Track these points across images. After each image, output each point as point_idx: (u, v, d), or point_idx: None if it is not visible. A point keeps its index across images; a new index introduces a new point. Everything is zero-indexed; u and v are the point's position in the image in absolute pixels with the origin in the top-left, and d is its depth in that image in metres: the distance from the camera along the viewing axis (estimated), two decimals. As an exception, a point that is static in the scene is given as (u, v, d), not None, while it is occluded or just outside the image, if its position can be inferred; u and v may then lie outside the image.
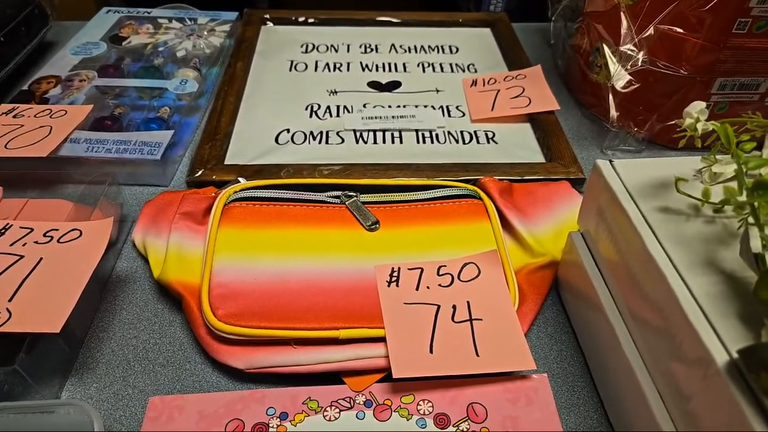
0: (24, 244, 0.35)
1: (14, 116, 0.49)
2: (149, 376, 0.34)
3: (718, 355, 0.23)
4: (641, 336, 0.29)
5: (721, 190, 0.28)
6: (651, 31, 0.47)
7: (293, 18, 0.70)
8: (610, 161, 0.33)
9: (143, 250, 0.40)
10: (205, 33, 0.65)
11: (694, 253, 0.27)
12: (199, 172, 0.46)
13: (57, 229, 0.36)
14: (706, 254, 0.27)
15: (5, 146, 0.45)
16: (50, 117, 0.49)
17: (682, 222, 0.29)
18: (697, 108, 0.29)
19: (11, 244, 0.35)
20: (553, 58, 0.66)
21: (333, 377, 0.33)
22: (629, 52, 0.48)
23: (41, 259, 0.34)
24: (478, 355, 0.32)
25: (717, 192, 0.29)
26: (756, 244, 0.24)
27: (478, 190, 0.42)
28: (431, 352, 0.32)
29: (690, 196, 0.29)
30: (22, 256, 0.34)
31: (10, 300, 0.31)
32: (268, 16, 0.70)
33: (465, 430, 0.30)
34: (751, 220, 0.25)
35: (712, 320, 0.24)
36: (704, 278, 0.26)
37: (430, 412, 0.31)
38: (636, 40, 0.48)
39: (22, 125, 0.48)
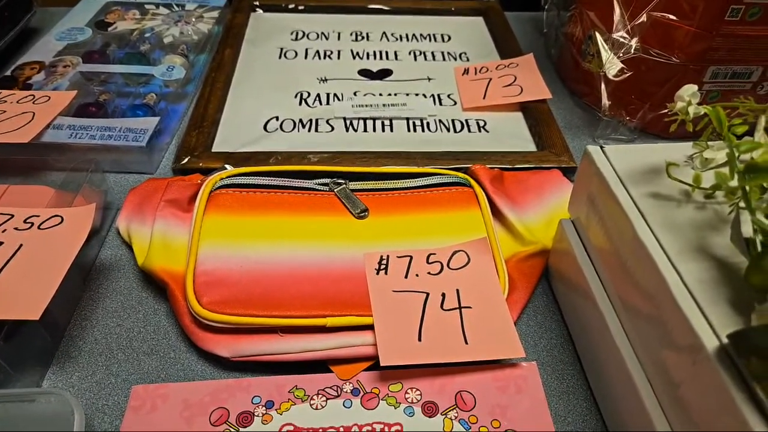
0: (4, 231, 0.34)
1: (-4, 102, 0.48)
2: (133, 365, 0.33)
3: (708, 341, 0.22)
4: (631, 323, 0.29)
5: (713, 176, 0.28)
6: (644, 18, 0.46)
7: (283, 5, 0.69)
8: (601, 147, 0.32)
9: (128, 238, 0.39)
10: (193, 19, 0.64)
11: (685, 239, 0.27)
12: (186, 160, 0.45)
13: (38, 216, 0.35)
14: (697, 240, 0.27)
15: (-14, 132, 0.44)
16: (33, 103, 0.48)
17: (674, 208, 0.29)
18: (689, 91, 0.28)
19: (-10, 231, 0.34)
20: (546, 46, 0.65)
21: (320, 366, 0.32)
22: (621, 39, 0.48)
23: (21, 245, 0.33)
24: (467, 343, 0.32)
25: (708, 178, 0.28)
26: (747, 229, 0.24)
27: (469, 178, 0.42)
28: (419, 340, 0.32)
29: (681, 181, 0.29)
30: (1, 243, 0.33)
31: (-12, 287, 0.30)
32: (257, 2, 0.69)
33: (453, 418, 0.30)
34: (742, 204, 0.25)
35: (703, 306, 0.24)
36: (695, 264, 0.26)
37: (419, 401, 0.31)
38: (628, 27, 0.47)
39: (4, 111, 0.47)
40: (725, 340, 0.22)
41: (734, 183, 0.25)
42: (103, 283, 0.38)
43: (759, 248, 0.23)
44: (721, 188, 0.28)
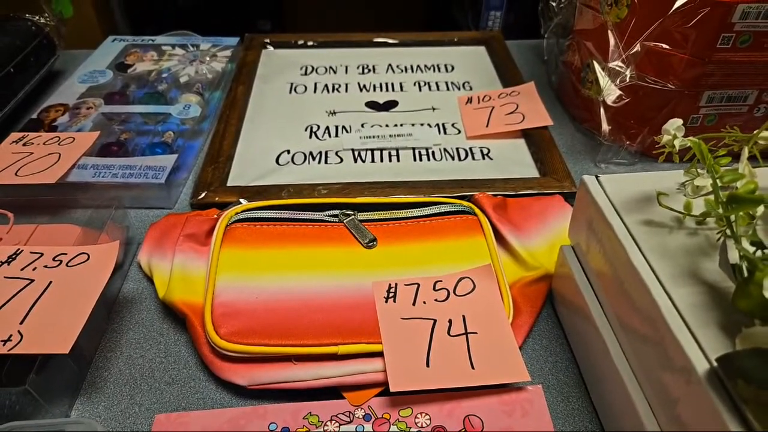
0: (34, 269, 0.36)
1: (24, 144, 0.50)
2: (155, 394, 0.35)
3: (699, 364, 0.23)
4: (630, 345, 0.30)
5: (704, 203, 0.29)
6: (638, 47, 0.48)
7: (293, 41, 0.72)
8: (596, 176, 0.34)
9: (149, 272, 0.41)
10: (207, 58, 0.67)
11: (676, 264, 0.28)
12: (203, 195, 0.48)
13: (66, 254, 0.37)
14: (688, 266, 0.28)
15: (16, 173, 0.47)
16: (59, 144, 0.51)
17: (666, 234, 0.30)
18: (674, 125, 0.30)
19: (22, 269, 0.36)
20: (547, 74, 0.67)
21: (333, 392, 0.34)
22: (618, 68, 0.50)
23: (51, 282, 0.35)
24: (473, 368, 0.33)
25: (700, 204, 0.30)
26: (733, 256, 0.25)
27: (473, 206, 0.43)
28: (428, 365, 0.33)
29: (672, 209, 0.30)
30: (32, 280, 0.35)
31: (21, 323, 0.33)
32: (268, 40, 0.72)
33: (461, 441, 0.31)
34: (728, 232, 0.26)
35: (694, 330, 0.25)
36: (686, 289, 0.27)
37: (428, 425, 0.32)
38: (624, 56, 0.49)
39: (32, 153, 0.50)
40: (715, 363, 0.23)
41: (722, 211, 0.27)
42: (126, 316, 0.40)
43: (745, 274, 0.24)
44: (711, 215, 0.29)
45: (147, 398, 0.34)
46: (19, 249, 0.38)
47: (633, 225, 0.31)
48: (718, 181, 0.26)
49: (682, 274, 0.28)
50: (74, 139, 0.51)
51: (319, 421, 0.32)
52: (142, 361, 0.37)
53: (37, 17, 0.66)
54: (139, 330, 0.38)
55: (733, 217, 0.26)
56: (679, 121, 0.30)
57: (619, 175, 0.34)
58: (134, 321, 0.39)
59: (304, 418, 0.32)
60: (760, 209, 0.26)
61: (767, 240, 0.25)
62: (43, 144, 0.51)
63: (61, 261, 0.37)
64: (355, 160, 0.53)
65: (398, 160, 0.53)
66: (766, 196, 0.25)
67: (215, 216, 0.43)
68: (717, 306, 0.26)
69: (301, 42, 0.72)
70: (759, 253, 0.25)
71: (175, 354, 0.37)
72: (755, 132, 0.29)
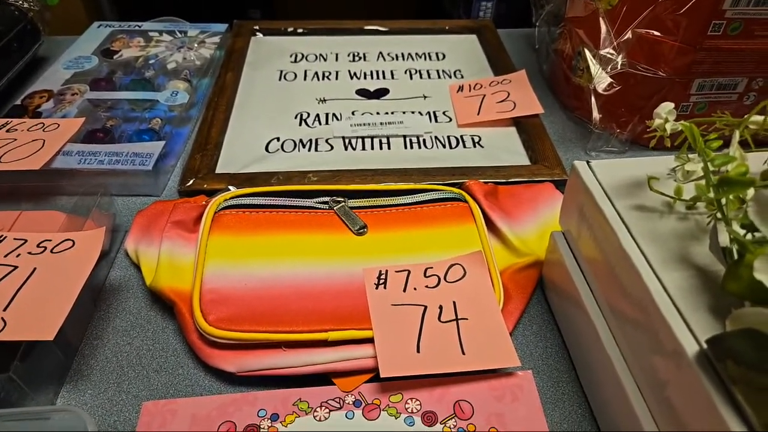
0: (18, 255, 0.36)
1: (7, 130, 0.49)
2: (143, 382, 0.34)
3: (689, 346, 0.24)
4: (620, 330, 0.30)
5: (694, 187, 0.29)
6: (629, 34, 0.48)
7: (282, 28, 0.71)
8: (588, 162, 0.34)
9: (136, 259, 0.41)
10: (196, 45, 0.66)
11: (667, 249, 0.28)
12: (191, 182, 0.47)
13: (50, 240, 0.36)
14: (678, 250, 0.28)
15: (-1, 160, 0.46)
16: (43, 131, 0.50)
17: (657, 219, 0.30)
18: (665, 109, 0.30)
19: (5, 255, 0.36)
20: (538, 62, 0.67)
21: (323, 378, 0.33)
22: (609, 55, 0.49)
23: (35, 269, 0.35)
24: (464, 354, 0.33)
25: (690, 189, 0.30)
26: (724, 239, 0.25)
27: (464, 194, 0.43)
28: (418, 351, 0.33)
29: (663, 194, 0.30)
30: (16, 267, 0.35)
31: (4, 309, 0.32)
32: (257, 27, 0.71)
33: (452, 427, 0.31)
34: (719, 215, 0.26)
35: (684, 313, 0.25)
36: (677, 273, 0.27)
37: (418, 410, 0.32)
38: (615, 43, 0.49)
39: (15, 139, 0.49)
40: (705, 345, 0.23)
41: (712, 194, 0.27)
42: (113, 303, 0.39)
43: (735, 257, 0.24)
44: (701, 199, 0.29)
45: (134, 386, 0.34)
46: (2, 235, 0.37)
47: (624, 210, 0.31)
48: (709, 164, 0.26)
49: (673, 258, 0.28)
50: (59, 125, 0.50)
51: (308, 407, 0.32)
52: (130, 348, 0.36)
53: (21, 2, 0.64)
54: (126, 317, 0.38)
55: (723, 200, 0.26)
56: (670, 105, 0.30)
57: (610, 161, 0.34)
58: (121, 308, 0.39)
59: (293, 405, 0.32)
60: (751, 192, 0.26)
61: (758, 223, 0.25)
62: (27, 130, 0.50)
63: (45, 248, 0.36)
64: (346, 148, 0.52)
65: (389, 148, 0.52)
66: (757, 179, 0.25)
67: (203, 203, 0.43)
68: (707, 289, 0.26)
69: (290, 29, 0.71)
70: (749, 236, 0.25)
71: (163, 341, 0.37)
72: (746, 116, 0.29)
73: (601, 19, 0.50)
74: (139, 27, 0.69)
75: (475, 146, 0.53)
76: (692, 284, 0.26)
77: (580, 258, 0.35)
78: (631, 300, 0.28)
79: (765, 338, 0.19)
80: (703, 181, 0.29)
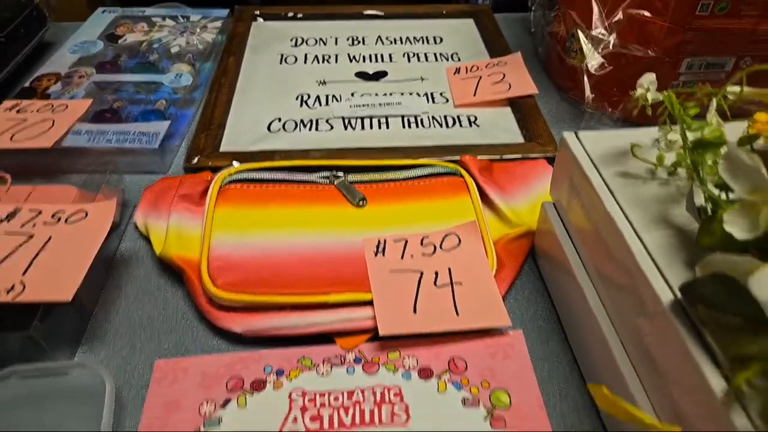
0: (34, 225, 0.37)
1: (17, 111, 0.51)
2: (154, 343, 0.36)
3: (665, 296, 0.25)
4: (606, 292, 0.32)
5: (675, 156, 0.31)
6: (620, 15, 0.50)
7: (283, 14, 0.73)
8: (575, 133, 0.35)
9: (145, 231, 0.43)
10: (198, 30, 0.67)
11: (648, 212, 0.30)
12: (196, 159, 0.49)
13: (64, 211, 0.38)
14: (659, 213, 0.30)
15: (11, 139, 0.47)
16: (52, 111, 0.51)
17: (640, 185, 0.32)
18: (648, 79, 0.31)
19: (22, 226, 0.37)
20: (534, 45, 0.69)
21: (325, 339, 0.35)
22: (600, 36, 0.51)
23: (50, 237, 0.36)
24: (458, 315, 0.35)
25: (672, 158, 0.32)
26: (699, 199, 0.27)
27: (459, 168, 0.45)
28: (415, 312, 0.35)
29: (645, 160, 0.32)
30: (32, 236, 0.37)
31: (23, 274, 0.34)
32: (258, 12, 0.72)
33: (447, 380, 0.33)
34: (695, 176, 0.28)
35: (662, 267, 0.27)
36: (657, 233, 0.29)
37: (415, 366, 0.34)
38: (606, 24, 0.50)
39: (26, 119, 0.50)
40: (679, 294, 0.25)
41: (689, 156, 0.28)
42: (124, 273, 0.41)
43: (709, 214, 0.26)
44: (681, 165, 0.31)
45: (147, 346, 0.36)
46: (18, 207, 0.39)
47: (609, 177, 0.32)
48: (686, 129, 0.28)
49: (654, 220, 0.29)
50: (67, 106, 0.52)
51: (312, 363, 0.34)
52: (141, 313, 0.38)
53: (27, -12, 0.65)
54: (137, 285, 0.40)
55: (699, 162, 0.27)
56: (652, 76, 0.32)
57: (598, 132, 0.36)
58: (132, 277, 0.40)
59: (298, 362, 0.34)
60: (724, 149, 0.27)
61: (728, 178, 0.27)
62: (37, 111, 0.52)
63: (59, 218, 0.38)
64: (346, 128, 0.54)
65: (387, 128, 0.54)
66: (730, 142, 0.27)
67: (208, 178, 0.44)
68: (684, 247, 0.28)
69: (290, 14, 0.73)
70: (723, 195, 0.27)
71: (173, 307, 0.38)
72: (723, 86, 0.31)
73: (593, 0, 0.51)
74: (143, 12, 0.71)
75: (471, 125, 0.54)
76: (670, 242, 0.28)
77: (569, 226, 0.37)
78: (615, 262, 0.30)
79: (732, 281, 0.21)
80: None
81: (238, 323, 0.35)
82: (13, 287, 0.33)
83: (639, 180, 0.32)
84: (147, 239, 0.42)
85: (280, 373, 0.33)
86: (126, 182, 0.48)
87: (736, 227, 0.23)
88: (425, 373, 0.33)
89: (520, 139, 0.52)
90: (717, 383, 0.22)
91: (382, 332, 0.34)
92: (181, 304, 0.38)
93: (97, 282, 0.40)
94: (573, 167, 0.35)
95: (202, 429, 0.31)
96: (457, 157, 0.48)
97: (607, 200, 0.31)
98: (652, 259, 0.27)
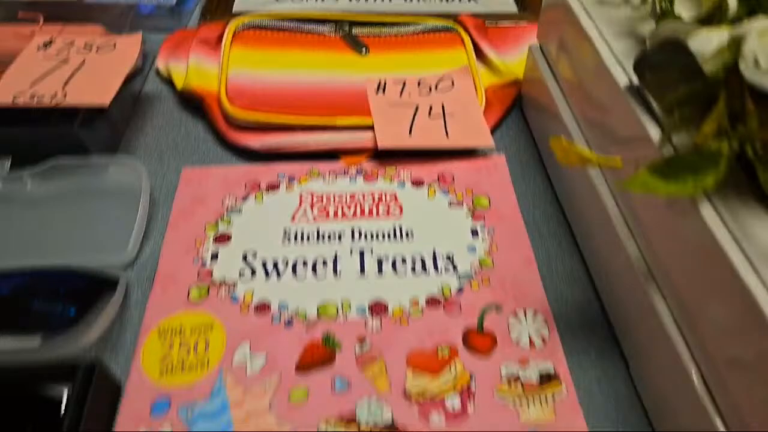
0: (68, 52, 0.41)
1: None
2: (181, 159, 0.41)
3: (622, 80, 0.30)
4: (586, 123, 0.36)
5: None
6: None
7: None
8: (562, -30, 0.39)
9: (166, 72, 0.46)
10: None
11: (618, 26, 0.34)
12: (209, 17, 0.52)
13: (94, 41, 0.42)
14: (628, 28, 0.34)
15: (36, -8, 0.50)
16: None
17: (615, 10, 0.35)
18: None
19: (57, 53, 0.41)
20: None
21: (331, 157, 0.40)
22: None
23: (84, 61, 0.40)
24: (448, 136, 0.39)
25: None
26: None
27: (456, 25, 0.48)
28: (410, 134, 0.39)
29: (621, -15, 0.36)
30: (67, 60, 0.41)
31: (64, 85, 0.38)
32: None
33: (436, 188, 0.38)
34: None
35: (624, 64, 0.31)
36: (625, 42, 0.33)
37: (409, 177, 0.39)
38: None
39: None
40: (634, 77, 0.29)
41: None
42: (149, 108, 0.45)
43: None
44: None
45: (174, 161, 0.41)
46: (51, 38, 0.42)
47: (589, 5, 0.36)
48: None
49: (623, 33, 0.33)
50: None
51: (319, 173, 0.39)
52: (167, 139, 0.42)
53: None
54: (161, 117, 0.44)
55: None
56: None
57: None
58: (157, 111, 0.45)
59: (307, 172, 0.39)
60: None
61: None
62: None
63: (91, 48, 0.42)
64: (351, -2, 0.57)
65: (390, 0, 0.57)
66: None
67: (224, 25, 0.48)
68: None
69: None
70: None
71: (195, 135, 0.43)
72: None
73: None
74: None
75: (470, 1, 0.57)
76: (635, 47, 0.32)
77: (555, 70, 0.40)
78: (593, 85, 0.34)
79: (674, 42, 0.25)
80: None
81: (255, 140, 0.40)
82: (55, 94, 0.37)
83: (614, 5, 0.36)
84: (168, 82, 0.46)
85: (291, 179, 0.38)
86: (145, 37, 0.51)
87: (684, 9, 0.27)
88: (417, 182, 0.38)
89: (515, 10, 0.55)
90: (654, 133, 0.26)
91: (380, 145, 0.38)
92: (203, 134, 0.43)
93: (126, 111, 0.44)
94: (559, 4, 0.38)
95: (225, 216, 0.36)
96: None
97: (583, 19, 0.35)
98: (619, 63, 0.31)
